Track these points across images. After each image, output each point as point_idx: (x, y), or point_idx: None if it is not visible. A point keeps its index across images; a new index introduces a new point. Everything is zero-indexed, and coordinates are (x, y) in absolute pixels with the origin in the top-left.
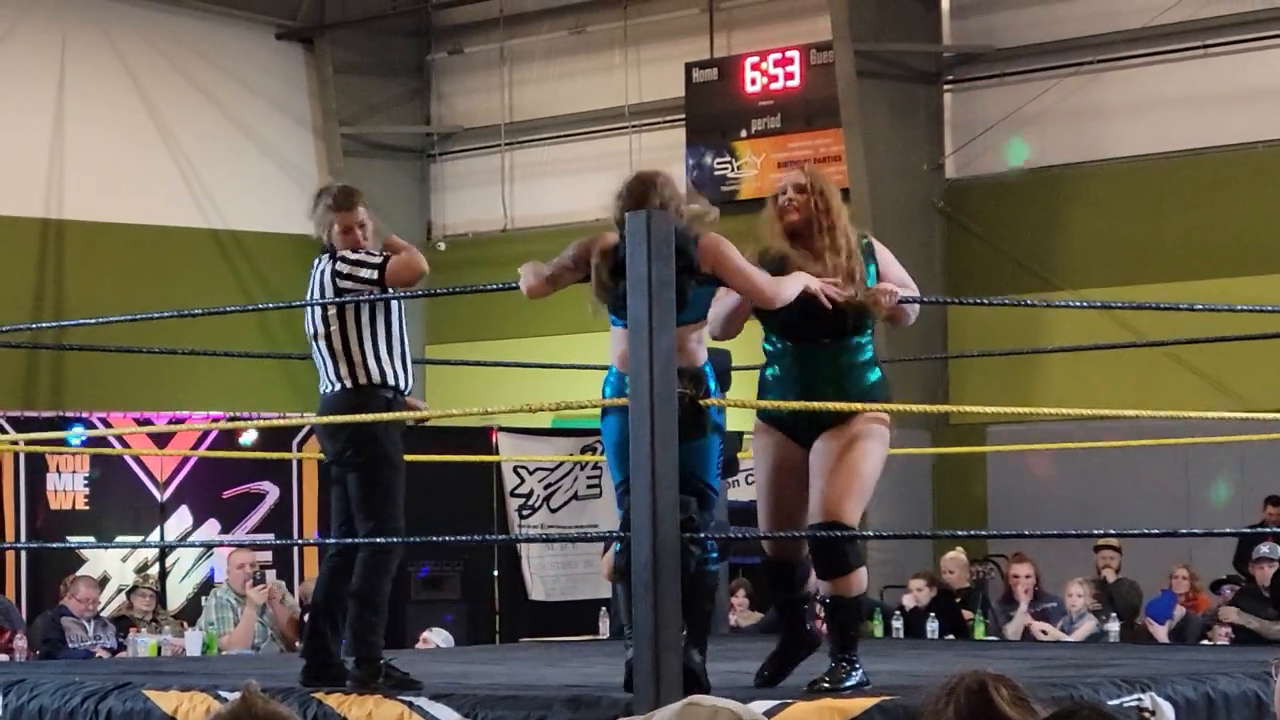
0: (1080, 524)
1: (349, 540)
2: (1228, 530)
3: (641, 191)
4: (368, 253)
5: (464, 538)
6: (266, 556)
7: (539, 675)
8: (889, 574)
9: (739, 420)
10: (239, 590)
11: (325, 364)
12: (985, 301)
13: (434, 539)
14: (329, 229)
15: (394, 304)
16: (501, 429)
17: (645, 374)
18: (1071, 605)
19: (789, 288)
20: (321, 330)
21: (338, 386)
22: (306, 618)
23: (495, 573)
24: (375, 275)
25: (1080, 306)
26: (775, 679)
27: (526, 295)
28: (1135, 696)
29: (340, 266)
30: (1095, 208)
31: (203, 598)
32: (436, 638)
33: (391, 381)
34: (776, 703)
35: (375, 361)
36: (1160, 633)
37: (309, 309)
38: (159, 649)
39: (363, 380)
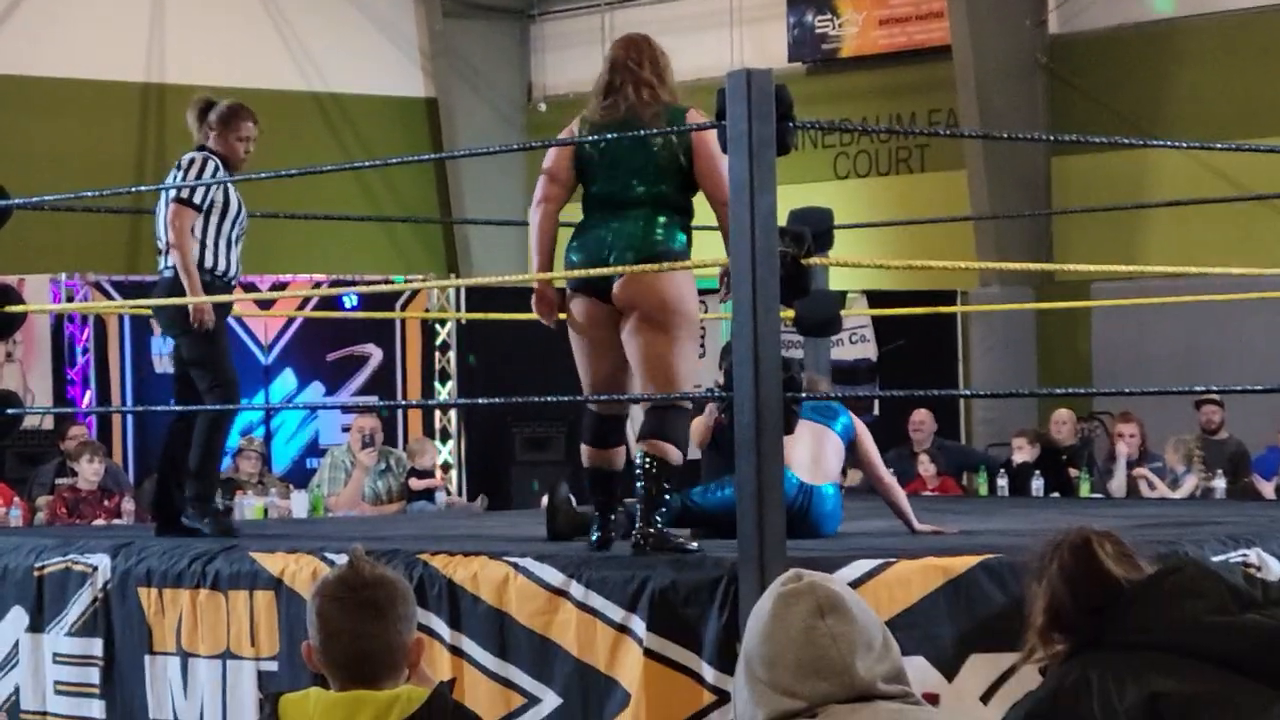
0: (1185, 380)
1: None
2: None
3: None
4: None
5: (566, 398)
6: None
7: None
8: (994, 432)
9: (840, 279)
10: (355, 452)
11: None
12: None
13: (536, 399)
14: None
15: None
16: None
17: (746, 234)
18: (1170, 465)
19: None
20: None
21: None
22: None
23: None
24: None
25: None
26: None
27: None
28: (1240, 553)
29: None
30: (1204, 62)
31: (308, 460)
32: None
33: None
34: (879, 562)
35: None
36: (1267, 489)
37: None
38: (265, 511)
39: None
